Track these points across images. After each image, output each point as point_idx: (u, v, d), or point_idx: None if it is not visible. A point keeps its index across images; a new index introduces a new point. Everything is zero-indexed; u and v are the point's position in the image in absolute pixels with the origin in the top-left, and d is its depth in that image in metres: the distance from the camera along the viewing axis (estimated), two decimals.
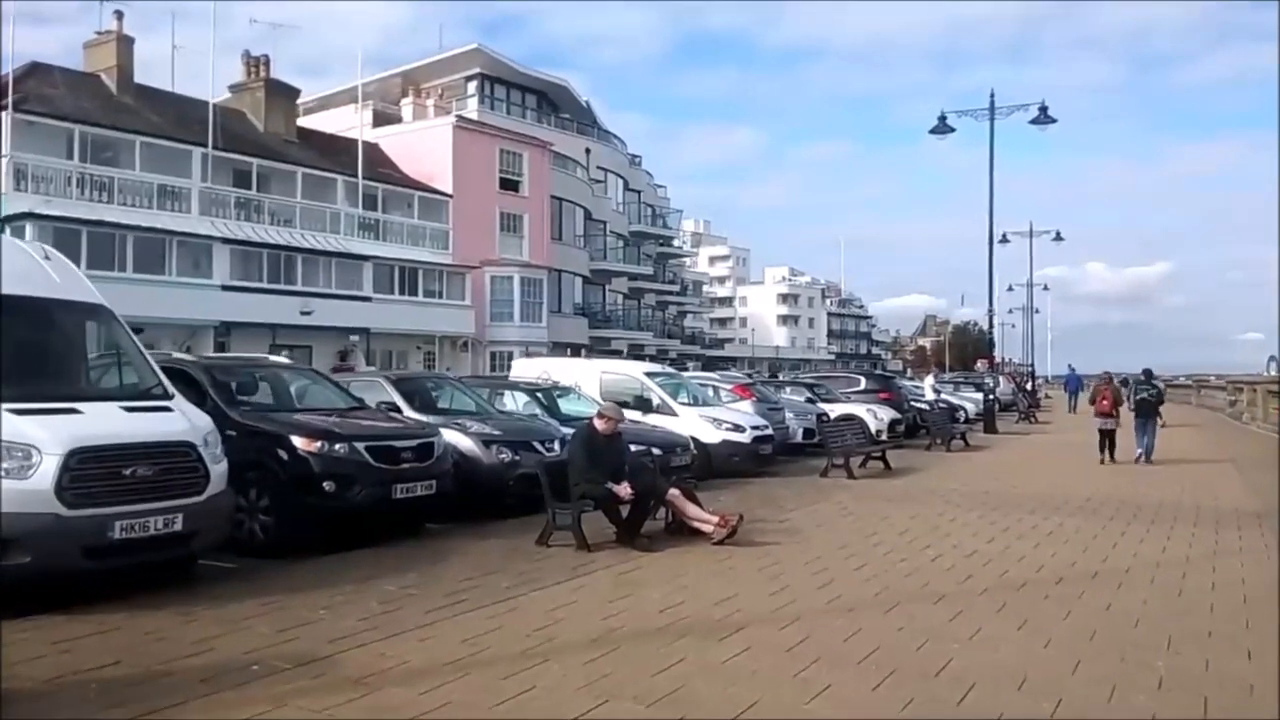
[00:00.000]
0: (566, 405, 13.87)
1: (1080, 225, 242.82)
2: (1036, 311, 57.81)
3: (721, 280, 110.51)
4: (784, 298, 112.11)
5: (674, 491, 8.77)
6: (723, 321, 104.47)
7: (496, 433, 10.30)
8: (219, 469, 6.90)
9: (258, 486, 8.14)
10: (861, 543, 8.87)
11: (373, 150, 34.18)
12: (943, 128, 26.11)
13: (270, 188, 29.74)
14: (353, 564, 7.64)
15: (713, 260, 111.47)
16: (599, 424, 8.74)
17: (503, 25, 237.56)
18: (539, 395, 13.42)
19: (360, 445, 8.31)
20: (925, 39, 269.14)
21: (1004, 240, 40.07)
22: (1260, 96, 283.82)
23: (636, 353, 48.01)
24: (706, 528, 8.61)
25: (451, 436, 10.08)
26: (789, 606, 6.41)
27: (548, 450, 10.36)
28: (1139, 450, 17.20)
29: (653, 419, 14.31)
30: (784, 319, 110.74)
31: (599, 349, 41.06)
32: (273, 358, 11.24)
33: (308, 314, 27.23)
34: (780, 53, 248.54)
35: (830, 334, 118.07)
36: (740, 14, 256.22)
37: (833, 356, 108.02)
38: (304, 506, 8.03)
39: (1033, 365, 57.83)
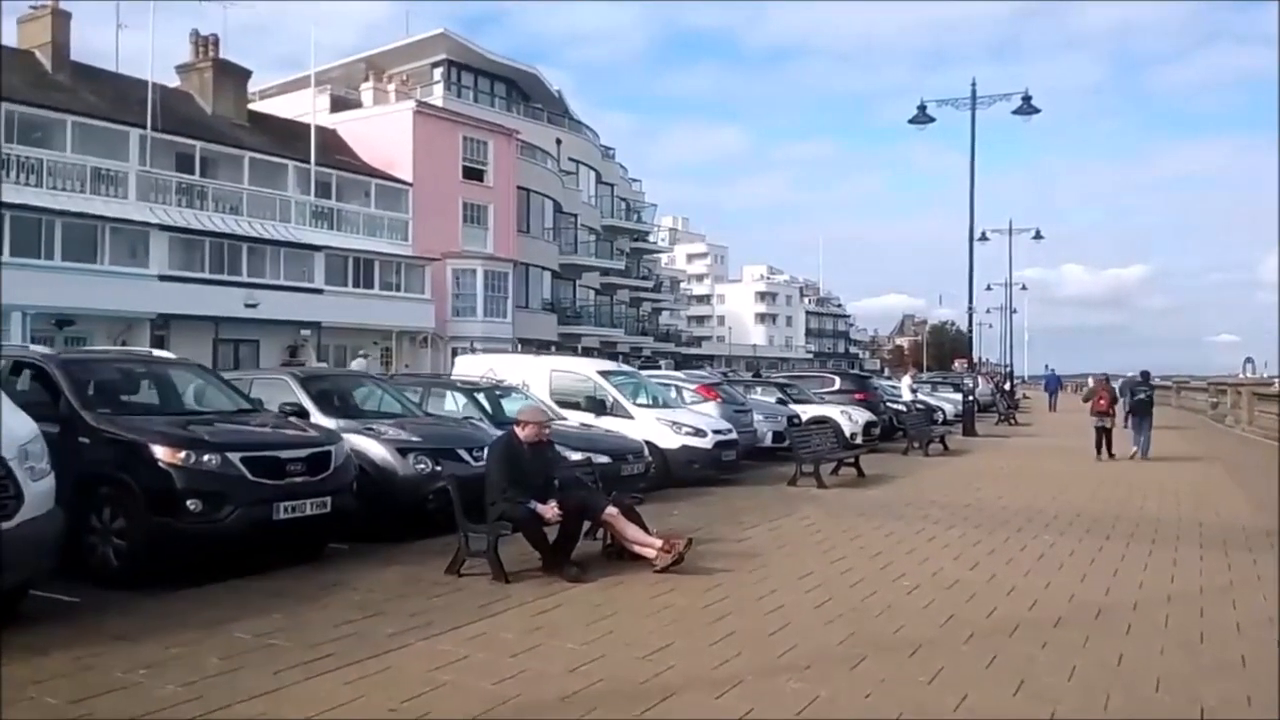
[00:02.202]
0: (511, 407, 12.55)
1: (1059, 227, 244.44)
2: (1014, 311, 57.07)
3: (699, 278, 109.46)
4: (762, 296, 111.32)
5: (612, 510, 7.51)
6: (700, 320, 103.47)
7: (415, 439, 9.01)
8: (39, 487, 5.59)
9: (111, 505, 6.86)
10: (827, 570, 7.66)
11: (329, 136, 32.69)
12: (922, 117, 25.08)
13: (216, 173, 28.22)
14: (211, 600, 6.33)
15: (690, 258, 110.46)
16: (521, 431, 7.47)
17: (483, 21, 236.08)
18: (478, 396, 12.11)
19: (235, 456, 7.00)
20: (909, 39, 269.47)
21: (983, 238, 39.19)
22: (1243, 99, 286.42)
23: (609, 350, 46.78)
24: (649, 553, 7.37)
25: (362, 444, 8.81)
26: (733, 662, 5.18)
27: (476, 459, 9.06)
28: (1135, 448, 18.07)
29: (606, 422, 13.07)
30: (762, 317, 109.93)
31: (569, 346, 39.77)
32: (157, 352, 9.88)
33: (253, 306, 25.75)
34: (764, 52, 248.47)
35: (808, 333, 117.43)
36: (723, 13, 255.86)
37: (810, 355, 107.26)
38: (163, 529, 6.72)
39: (1011, 365, 57.11)
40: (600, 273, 49.18)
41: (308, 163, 29.53)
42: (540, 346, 33.55)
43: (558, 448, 10.37)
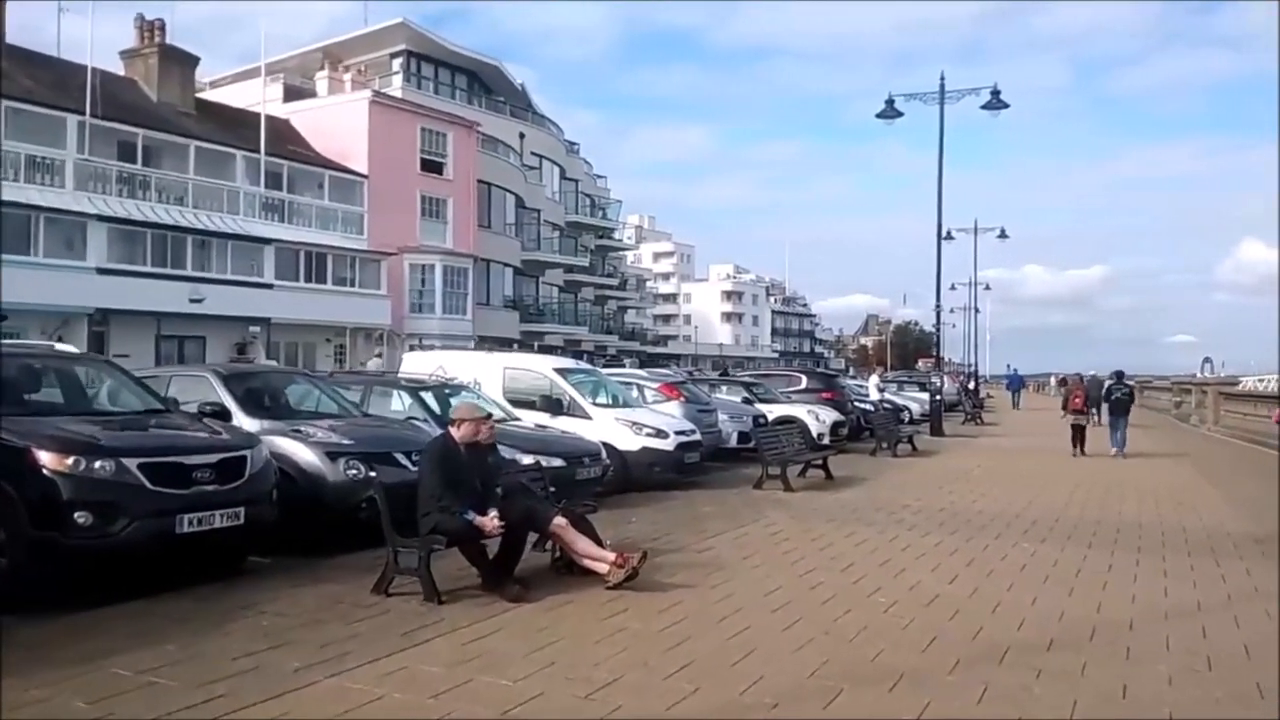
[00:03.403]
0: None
1: (1023, 228, 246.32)
2: (978, 311, 57.09)
3: (666, 277, 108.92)
4: (728, 295, 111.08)
5: (560, 521, 6.80)
6: (666, 318, 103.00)
7: (346, 442, 8.22)
8: None
9: None
10: (796, 585, 7.01)
11: (281, 126, 31.59)
12: (891, 111, 24.61)
13: (160, 162, 27.04)
14: (99, 627, 5.53)
15: (657, 256, 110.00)
16: (456, 431, 6.73)
17: (449, 17, 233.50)
18: (424, 395, 11.33)
19: (132, 463, 6.19)
20: (877, 40, 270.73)
21: (949, 237, 38.83)
22: (1201, 103, 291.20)
23: (573, 348, 46.00)
24: (600, 567, 6.68)
25: (287, 447, 8.02)
26: (689, 700, 4.51)
27: (416, 464, 8.30)
28: (1114, 447, 18.65)
29: (563, 422, 12.35)
30: (728, 317, 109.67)
31: (532, 344, 38.93)
32: (60, 346, 9.01)
33: (198, 301, 24.67)
34: (733, 52, 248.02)
35: (774, 332, 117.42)
36: (692, 12, 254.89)
37: (776, 355, 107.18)
38: (47, 544, 5.91)
39: (975, 365, 57.17)
40: (564, 270, 48.38)
41: (257, 152, 28.42)
42: (502, 344, 32.66)
43: (507, 450, 9.76)
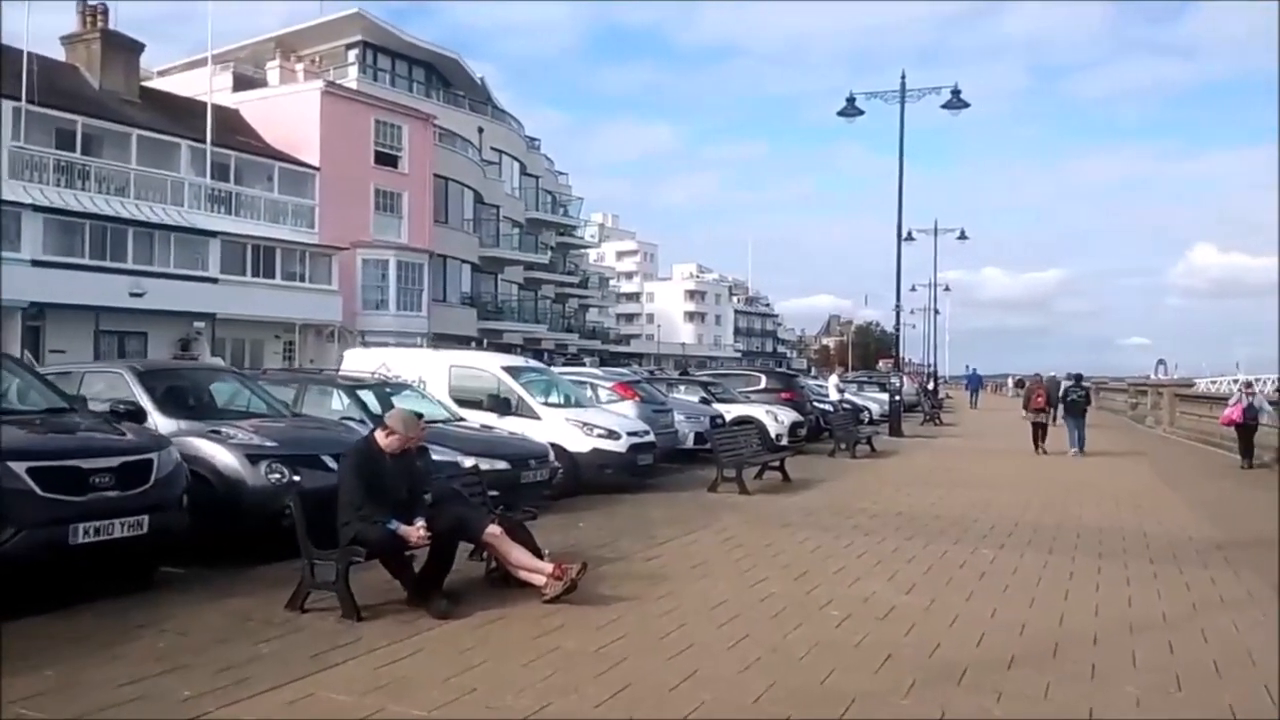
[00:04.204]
0: (404, 406, 11.26)
1: (982, 231, 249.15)
2: (938, 312, 57.41)
3: (629, 276, 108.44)
4: (691, 295, 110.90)
5: (494, 530, 6.34)
6: (629, 317, 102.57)
7: (269, 444, 7.68)
8: None
9: None
10: (745, 596, 6.62)
11: (230, 116, 30.68)
12: (852, 109, 24.41)
13: (101, 151, 26.05)
14: None
15: (620, 255, 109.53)
16: (384, 439, 6.23)
17: (409, 13, 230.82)
18: (362, 394, 10.79)
19: (20, 467, 5.63)
20: (838, 42, 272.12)
21: (910, 238, 39.02)
22: (1156, 108, 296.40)
23: (533, 347, 45.42)
24: (536, 579, 6.24)
25: (205, 449, 7.48)
26: None
27: None
28: (1072, 447, 19.29)
29: (510, 423, 11.87)
30: (691, 316, 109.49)
31: (491, 342, 38.28)
32: None
33: (139, 295, 23.77)
34: (695, 51, 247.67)
35: (737, 332, 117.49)
36: (654, 11, 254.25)
37: (739, 355, 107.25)
38: None
39: (935, 365, 57.49)
40: (524, 267, 47.75)
41: (203, 142, 27.51)
42: (459, 342, 32.01)
43: (447, 453, 9.29)
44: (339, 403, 11.12)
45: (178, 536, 6.49)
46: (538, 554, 6.56)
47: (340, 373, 12.99)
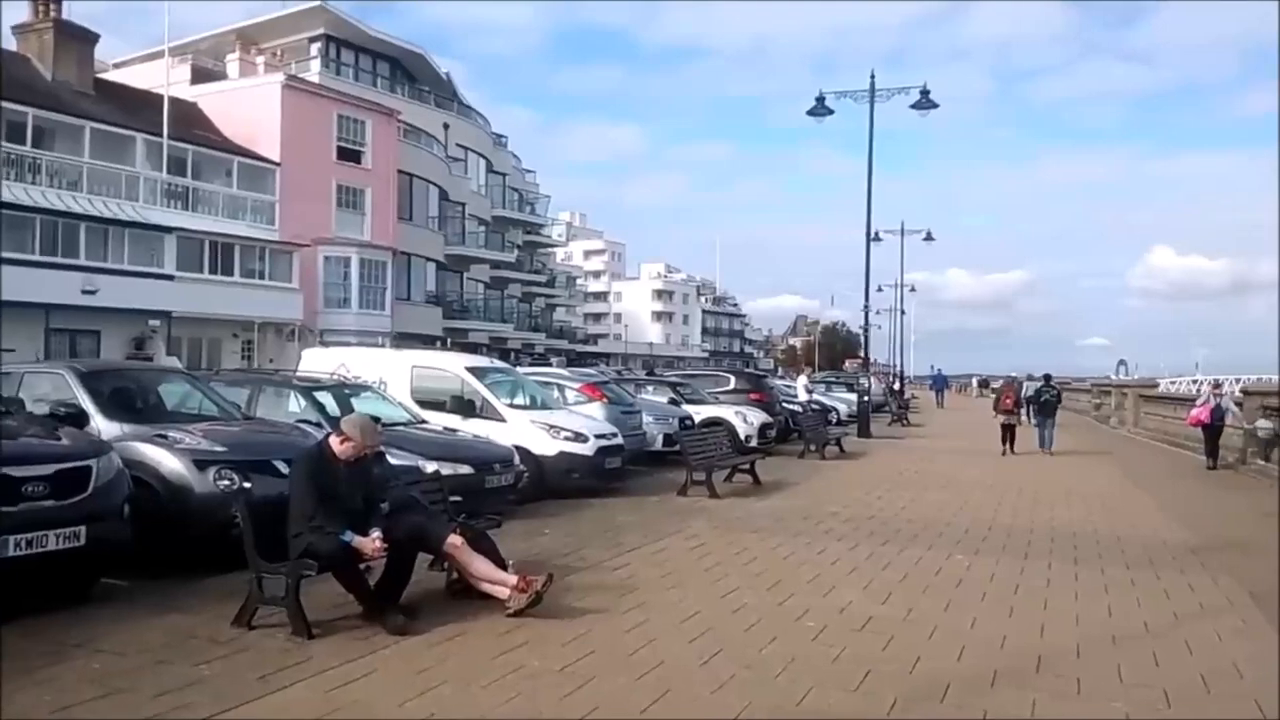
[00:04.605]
0: (363, 409, 10.88)
1: (947, 232, 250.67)
2: (904, 313, 57.68)
3: (596, 275, 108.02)
4: (659, 294, 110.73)
5: (454, 540, 6.04)
6: (597, 317, 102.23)
7: (218, 449, 7.31)
8: None
9: None
10: (717, 608, 6.37)
11: (188, 109, 29.93)
12: (821, 109, 24.30)
13: (53, 144, 25.25)
14: None
15: (588, 254, 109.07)
16: (339, 445, 5.90)
17: (375, 11, 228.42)
18: (318, 396, 10.41)
19: None
20: (803, 44, 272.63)
21: (877, 239, 39.04)
22: (1118, 113, 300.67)
23: (499, 346, 44.97)
24: (500, 592, 5.95)
25: (151, 454, 7.11)
26: None
27: None
28: (1042, 446, 19.88)
29: (474, 425, 11.54)
30: (659, 316, 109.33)
31: (456, 342, 37.77)
32: None
33: (92, 293, 23.05)
34: (660, 52, 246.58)
35: (704, 332, 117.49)
36: (619, 12, 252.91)
37: (706, 355, 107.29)
38: None
39: (901, 366, 57.80)
40: (490, 265, 47.24)
41: (159, 136, 26.78)
42: (424, 342, 31.50)
43: (407, 457, 8.95)
44: (295, 405, 10.74)
45: (118, 548, 6.13)
46: (501, 565, 6.27)
47: (297, 373, 12.57)
